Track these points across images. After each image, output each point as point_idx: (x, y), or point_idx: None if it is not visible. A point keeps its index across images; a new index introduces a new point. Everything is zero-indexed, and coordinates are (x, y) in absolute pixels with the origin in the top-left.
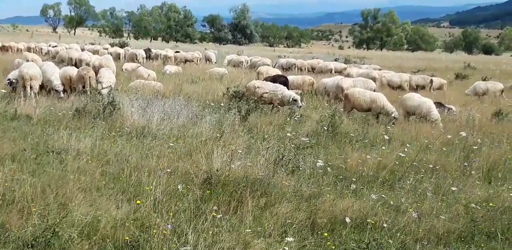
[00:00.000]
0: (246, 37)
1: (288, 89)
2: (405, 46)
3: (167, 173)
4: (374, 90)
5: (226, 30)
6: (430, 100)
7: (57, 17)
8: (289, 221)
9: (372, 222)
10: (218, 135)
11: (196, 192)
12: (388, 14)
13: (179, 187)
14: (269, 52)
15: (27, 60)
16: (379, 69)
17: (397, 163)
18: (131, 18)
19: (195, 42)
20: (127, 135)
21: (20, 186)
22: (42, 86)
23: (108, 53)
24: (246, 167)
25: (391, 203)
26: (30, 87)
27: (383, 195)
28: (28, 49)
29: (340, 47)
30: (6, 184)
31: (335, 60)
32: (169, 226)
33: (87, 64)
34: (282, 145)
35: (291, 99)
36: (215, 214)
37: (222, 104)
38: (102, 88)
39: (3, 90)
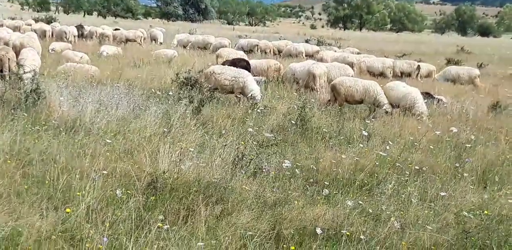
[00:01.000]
0: (200, 12)
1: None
2: (389, 26)
3: (103, 175)
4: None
5: (176, 4)
6: (416, 90)
7: None
8: (249, 232)
9: (347, 233)
10: (165, 129)
11: (139, 198)
12: None
13: (117, 192)
14: (227, 31)
15: None
16: (358, 53)
17: (377, 163)
18: None
19: (139, 18)
20: (55, 130)
21: None
22: None
23: (32, 31)
24: (199, 168)
25: (370, 211)
26: None
27: (360, 202)
28: None
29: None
30: None
31: (306, 41)
32: (105, 239)
33: (6, 44)
34: (242, 142)
35: (250, 95)
36: (161, 225)
37: (170, 93)
38: (24, 72)
39: None
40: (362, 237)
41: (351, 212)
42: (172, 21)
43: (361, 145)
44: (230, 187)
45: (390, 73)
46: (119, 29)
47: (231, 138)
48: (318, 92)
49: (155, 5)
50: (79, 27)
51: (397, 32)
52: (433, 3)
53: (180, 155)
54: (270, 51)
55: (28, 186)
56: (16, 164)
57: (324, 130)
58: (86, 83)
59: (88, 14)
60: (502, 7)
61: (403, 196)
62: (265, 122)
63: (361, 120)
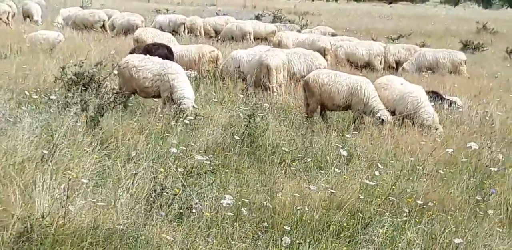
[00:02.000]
0: None
1: None
2: None
3: None
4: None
5: None
6: (420, 89)
7: None
8: None
9: None
10: (45, 152)
11: None
12: None
13: None
14: (139, 3)
15: None
16: (333, 35)
17: (361, 197)
18: None
19: None
20: None
21: None
22: None
23: None
24: (97, 210)
25: None
26: None
27: None
28: None
29: None
30: None
31: (257, 17)
32: None
33: None
34: (162, 169)
35: (179, 100)
36: None
37: (53, 96)
38: None
39: None
40: None
41: None
42: None
43: (338, 170)
44: (143, 237)
45: (380, 63)
46: None
47: (145, 163)
48: (275, 93)
49: None
50: None
51: (390, 3)
52: None
53: (68, 189)
54: (201, 32)
55: None
56: None
57: (283, 148)
58: None
59: None
60: None
61: (400, 245)
62: (196, 139)
63: (338, 133)
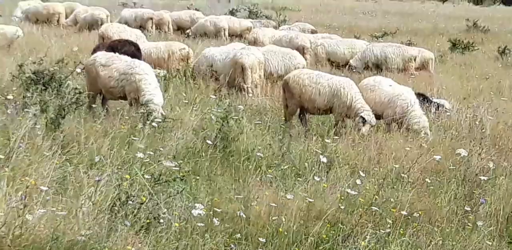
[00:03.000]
0: None
1: None
2: None
3: None
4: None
5: None
6: (409, 91)
7: None
8: None
9: None
10: (1, 156)
11: None
12: None
13: None
14: None
15: None
16: (312, 32)
17: (342, 207)
18: None
19: None
20: None
21: None
22: None
23: None
24: (57, 220)
25: None
26: None
27: None
28: None
29: None
30: None
31: (231, 13)
32: None
33: None
34: (127, 176)
35: (144, 101)
36: None
37: (10, 96)
38: None
39: None
40: None
41: None
42: None
43: (317, 178)
44: (106, 249)
45: (389, 65)
46: None
47: (109, 169)
48: (250, 94)
49: None
50: None
51: None
52: None
53: (26, 197)
54: (170, 28)
55: None
56: None
57: (259, 154)
58: None
59: None
60: None
61: None
62: (165, 144)
63: (317, 138)
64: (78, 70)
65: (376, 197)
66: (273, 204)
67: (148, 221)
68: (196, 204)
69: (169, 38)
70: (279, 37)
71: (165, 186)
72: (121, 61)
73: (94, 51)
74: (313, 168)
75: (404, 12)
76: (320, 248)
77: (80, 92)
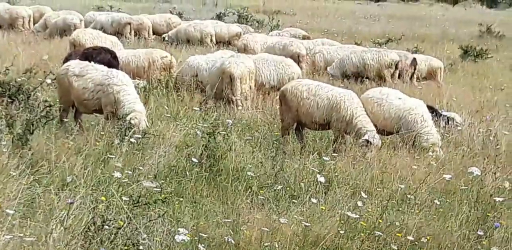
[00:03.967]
0: None
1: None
2: None
3: None
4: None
5: None
6: (421, 105)
7: None
8: None
9: None
10: None
11: None
12: None
13: None
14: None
15: None
16: (308, 38)
17: (342, 232)
18: None
19: None
20: None
21: None
22: None
23: None
24: (24, 246)
25: None
26: None
27: None
28: None
29: None
30: None
31: (218, 17)
32: None
33: None
34: (103, 198)
35: (127, 115)
36: None
37: None
38: None
39: None
40: None
41: None
42: None
43: (314, 200)
44: None
45: (368, 72)
46: None
47: (83, 190)
48: (239, 107)
49: None
50: None
51: (378, 0)
52: None
53: None
54: (150, 33)
55: None
56: None
57: (249, 173)
58: None
59: None
60: None
61: None
62: (145, 162)
63: (314, 155)
64: (49, 80)
65: (380, 220)
66: (265, 229)
67: (126, 248)
68: (179, 229)
69: (150, 45)
70: (271, 44)
71: (145, 208)
72: (96, 71)
73: (66, 59)
74: (310, 189)
75: (410, 16)
76: None
77: (50, 105)
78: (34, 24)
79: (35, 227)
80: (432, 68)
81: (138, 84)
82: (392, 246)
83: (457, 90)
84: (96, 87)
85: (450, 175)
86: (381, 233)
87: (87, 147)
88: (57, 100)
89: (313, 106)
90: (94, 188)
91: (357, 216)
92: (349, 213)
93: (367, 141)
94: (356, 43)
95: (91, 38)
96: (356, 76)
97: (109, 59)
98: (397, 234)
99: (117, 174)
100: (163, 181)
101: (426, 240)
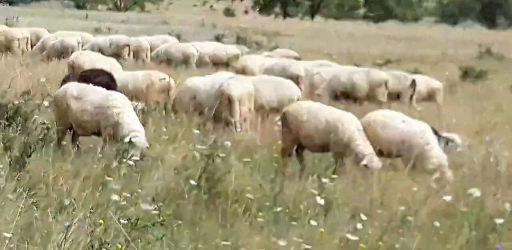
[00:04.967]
0: None
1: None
2: (362, 12)
3: None
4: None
5: None
6: (426, 128)
7: None
8: None
9: None
10: None
11: None
12: None
13: None
14: (76, 21)
15: None
16: (299, 59)
17: None
18: None
19: None
20: None
21: None
22: None
23: None
24: None
25: None
26: None
27: None
28: None
29: (228, 12)
30: None
31: (217, 38)
32: None
33: None
34: (101, 221)
35: (125, 138)
36: None
37: None
38: None
39: None
40: None
41: None
42: None
43: (314, 223)
44: None
45: (358, 92)
46: None
47: (81, 213)
48: (238, 129)
49: None
50: None
51: (377, 21)
52: None
53: None
54: (148, 55)
55: None
56: None
57: (248, 195)
58: None
59: None
60: None
61: None
62: (143, 185)
63: (313, 178)
64: (46, 103)
65: (380, 243)
66: None
67: None
68: None
69: (148, 67)
70: (270, 65)
71: (144, 231)
72: (96, 93)
73: (64, 82)
74: (309, 211)
75: (409, 37)
76: None
77: (48, 128)
78: (32, 46)
79: None
80: (432, 90)
81: (136, 106)
82: None
83: (457, 111)
84: (95, 109)
85: (450, 196)
86: None
87: (85, 170)
88: (55, 122)
89: (313, 128)
90: (92, 211)
91: (357, 238)
92: (349, 236)
93: (365, 166)
94: (355, 65)
95: (89, 60)
96: (345, 96)
97: (107, 81)
98: None
99: (115, 197)
100: (161, 204)
101: None
